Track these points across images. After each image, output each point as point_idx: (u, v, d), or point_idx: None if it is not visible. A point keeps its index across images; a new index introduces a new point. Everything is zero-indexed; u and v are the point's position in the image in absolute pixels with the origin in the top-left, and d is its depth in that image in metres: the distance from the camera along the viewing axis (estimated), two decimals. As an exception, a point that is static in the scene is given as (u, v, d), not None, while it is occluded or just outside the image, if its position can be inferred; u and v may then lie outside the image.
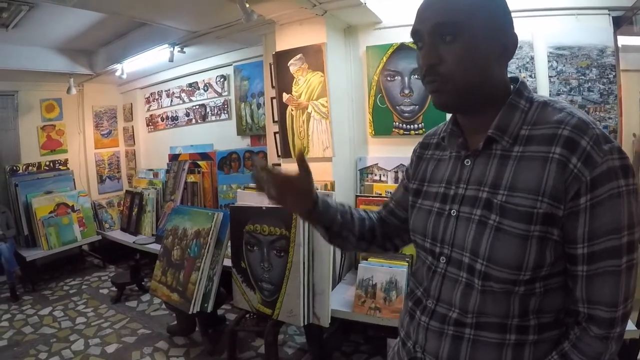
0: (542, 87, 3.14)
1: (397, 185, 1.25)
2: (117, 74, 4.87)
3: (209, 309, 3.13)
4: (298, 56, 3.16)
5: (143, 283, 4.56)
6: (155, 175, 5.40)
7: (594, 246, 0.82)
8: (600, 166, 0.80)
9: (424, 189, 1.09)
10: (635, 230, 0.83)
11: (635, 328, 2.49)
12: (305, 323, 2.73)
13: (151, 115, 5.92)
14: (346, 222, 1.19)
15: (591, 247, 0.82)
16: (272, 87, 3.55)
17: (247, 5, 2.85)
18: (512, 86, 0.96)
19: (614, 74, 3.08)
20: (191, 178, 4.72)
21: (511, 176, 0.87)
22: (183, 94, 5.35)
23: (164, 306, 3.87)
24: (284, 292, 2.79)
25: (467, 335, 0.92)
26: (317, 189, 1.17)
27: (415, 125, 3.16)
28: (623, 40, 3.22)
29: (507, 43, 0.92)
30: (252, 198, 3.08)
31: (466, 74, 0.88)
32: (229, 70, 4.78)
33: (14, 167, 5.31)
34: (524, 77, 3.13)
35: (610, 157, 0.81)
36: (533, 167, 0.85)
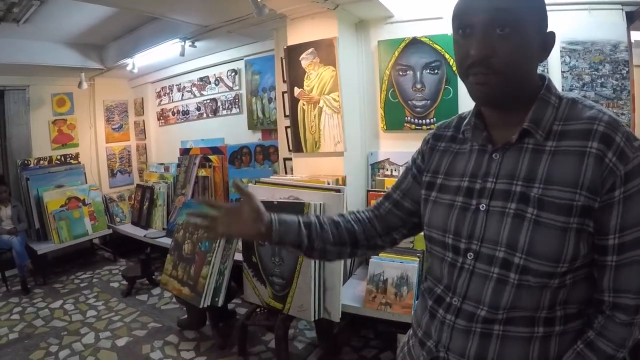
0: (555, 82, 3.03)
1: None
2: (128, 68, 4.89)
3: (220, 303, 3.14)
4: (310, 50, 3.14)
5: (153, 277, 4.58)
6: (166, 169, 5.40)
7: (625, 237, 0.85)
8: (632, 161, 0.83)
9: (440, 182, 1.07)
10: None
11: None
12: (316, 318, 2.72)
13: (162, 110, 5.93)
14: (316, 234, 1.16)
15: (622, 237, 0.85)
16: (284, 81, 3.54)
17: (259, 0, 2.84)
18: (540, 82, 0.96)
19: (627, 69, 3.03)
20: (202, 172, 4.71)
21: (546, 170, 0.88)
22: (194, 88, 5.36)
23: (174, 300, 3.88)
24: (294, 286, 2.78)
25: (495, 332, 0.92)
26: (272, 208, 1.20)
27: (427, 120, 3.14)
28: (636, 35, 3.18)
29: (548, 40, 0.94)
30: (263, 192, 3.07)
31: (516, 69, 0.88)
32: (240, 65, 4.77)
33: (26, 161, 5.35)
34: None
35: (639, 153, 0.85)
36: (569, 161, 0.86)
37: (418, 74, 3.15)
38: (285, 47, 3.30)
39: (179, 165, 5.07)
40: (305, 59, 3.15)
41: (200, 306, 3.10)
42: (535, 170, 0.89)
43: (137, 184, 5.80)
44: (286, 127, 3.59)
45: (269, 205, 2.88)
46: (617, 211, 0.84)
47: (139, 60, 4.82)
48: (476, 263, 0.94)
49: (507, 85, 0.88)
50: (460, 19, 0.91)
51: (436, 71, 3.11)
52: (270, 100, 4.43)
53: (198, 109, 5.33)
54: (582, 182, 0.84)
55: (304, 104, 3.16)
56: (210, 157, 4.75)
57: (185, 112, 5.52)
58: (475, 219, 0.95)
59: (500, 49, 0.86)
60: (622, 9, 3.05)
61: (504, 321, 0.91)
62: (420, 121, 3.16)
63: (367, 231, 1.23)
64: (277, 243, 1.14)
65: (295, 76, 3.21)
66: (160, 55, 4.71)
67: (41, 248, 4.87)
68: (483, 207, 0.95)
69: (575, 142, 0.87)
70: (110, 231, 5.49)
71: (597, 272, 0.90)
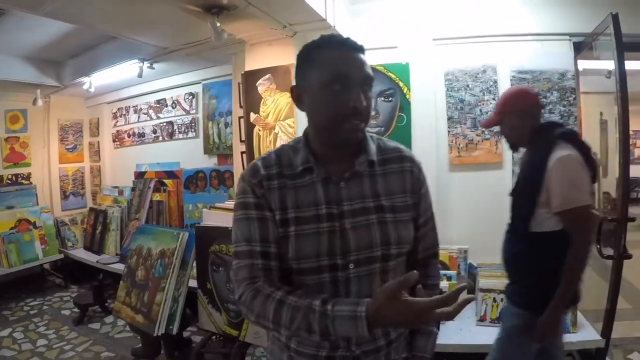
0: (505, 110, 3.22)
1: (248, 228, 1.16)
2: (85, 87, 4.80)
3: (175, 331, 3.08)
4: (267, 76, 3.18)
5: (106, 304, 4.45)
6: (120, 192, 5.30)
7: (426, 215, 1.29)
8: (422, 171, 1.28)
9: (293, 216, 1.15)
10: None
11: (600, 337, 2.62)
12: (272, 345, 2.71)
13: (118, 131, 5.83)
14: None
15: (424, 216, 1.29)
16: (240, 106, 3.55)
17: (218, 24, 2.86)
18: None
19: (574, 96, 3.18)
20: (157, 196, 4.65)
21: (384, 186, 1.20)
22: (151, 111, 5.30)
23: (128, 328, 3.77)
24: (250, 313, 2.77)
25: None
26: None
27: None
28: (583, 64, 3.35)
29: None
30: (218, 218, 3.07)
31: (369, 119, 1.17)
32: (197, 88, 4.77)
33: (-25, 181, 5.15)
34: (487, 99, 3.22)
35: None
36: (397, 177, 1.22)
37: (373, 101, 3.21)
38: (242, 72, 3.32)
39: (133, 189, 4.99)
40: (262, 85, 3.19)
41: (155, 334, 3.04)
42: (377, 188, 1.20)
43: (90, 208, 5.66)
44: (242, 152, 3.60)
45: (224, 231, 2.90)
46: (422, 202, 1.26)
47: (96, 79, 4.75)
48: (359, 269, 1.14)
49: (364, 130, 1.18)
50: (338, 74, 1.09)
51: (390, 99, 3.19)
52: (226, 124, 4.44)
53: (154, 131, 5.27)
54: (408, 188, 1.23)
55: (259, 130, 3.18)
56: (165, 181, 4.70)
57: (141, 135, 5.45)
58: (345, 237, 1.14)
59: (368, 102, 1.12)
60: (570, 40, 3.24)
61: None
62: (374, 147, 3.23)
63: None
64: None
65: (251, 101, 3.24)
66: (117, 75, 4.66)
67: (-12, 273, 4.66)
68: (348, 225, 1.14)
69: (395, 164, 1.23)
70: (62, 256, 5.29)
71: (419, 239, 1.28)
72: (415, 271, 0.95)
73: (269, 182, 1.17)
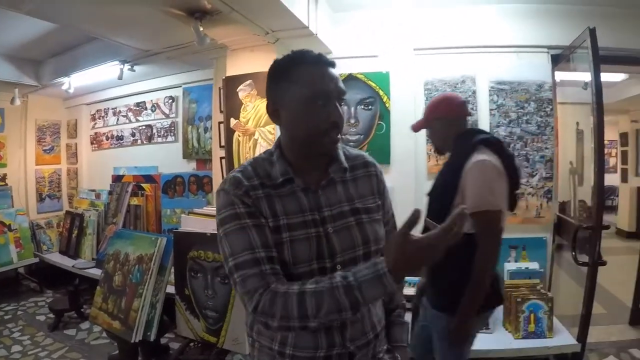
0: (484, 120, 3.30)
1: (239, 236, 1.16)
2: (64, 87, 4.74)
3: (152, 338, 3.05)
4: (248, 82, 3.18)
5: (82, 310, 4.38)
6: (98, 196, 5.23)
7: (389, 214, 1.41)
8: (382, 174, 1.41)
9: (284, 223, 1.19)
10: None
11: (576, 342, 2.69)
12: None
13: (96, 133, 5.77)
14: None
15: (387, 215, 1.40)
16: (220, 111, 3.55)
17: (201, 29, 2.86)
18: None
19: (551, 107, 3.26)
20: (134, 201, 4.61)
21: (356, 190, 1.31)
22: (130, 113, 5.26)
23: (104, 334, 3.73)
24: (228, 319, 2.77)
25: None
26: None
27: (360, 155, 3.23)
28: (560, 75, 3.43)
29: None
30: (196, 223, 3.05)
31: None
32: (177, 92, 4.75)
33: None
34: (466, 109, 3.27)
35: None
36: (365, 181, 1.34)
37: (352, 109, 3.26)
38: (223, 77, 3.32)
39: (110, 193, 4.93)
40: (243, 91, 3.19)
41: (132, 341, 3.00)
42: (350, 193, 1.29)
43: (67, 211, 5.57)
44: (221, 158, 3.59)
45: (202, 237, 2.89)
46: (385, 203, 1.38)
47: (76, 80, 4.70)
48: (346, 269, 1.13)
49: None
50: (318, 91, 1.16)
51: (370, 107, 3.23)
52: (206, 129, 4.43)
53: (133, 134, 5.23)
54: (375, 191, 1.35)
55: (239, 135, 3.18)
56: (143, 185, 4.66)
57: (120, 138, 5.40)
58: (330, 240, 1.21)
59: (342, 117, 1.21)
60: (548, 52, 3.33)
61: None
62: (353, 154, 3.26)
63: None
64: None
65: (232, 107, 3.24)
66: (97, 77, 4.63)
67: (-39, 277, 4.56)
68: (331, 230, 1.22)
69: (362, 170, 1.35)
70: (37, 260, 5.19)
71: (386, 235, 1.34)
72: (417, 208, 1.02)
73: (254, 192, 1.19)
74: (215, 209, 1.28)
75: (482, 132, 2.17)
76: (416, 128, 2.27)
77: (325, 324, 1.10)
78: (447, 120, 2.11)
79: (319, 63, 1.19)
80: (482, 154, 1.92)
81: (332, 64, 1.22)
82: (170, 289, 3.14)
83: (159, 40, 3.64)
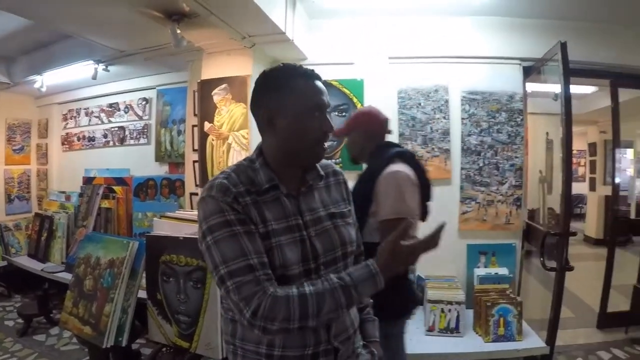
0: (455, 128, 3.37)
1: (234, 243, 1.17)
2: (36, 85, 4.66)
3: (124, 343, 3.00)
4: (223, 86, 3.18)
5: (52, 315, 4.29)
6: (68, 198, 5.11)
7: (354, 218, 1.49)
8: (347, 181, 1.52)
9: (272, 228, 1.24)
10: None
11: (544, 345, 2.75)
12: (224, 356, 2.69)
13: (67, 134, 5.68)
14: None
15: (353, 218, 1.48)
16: (194, 114, 3.54)
17: (179, 32, 2.85)
18: None
19: (521, 117, 3.34)
20: (105, 204, 4.53)
21: (330, 197, 1.41)
22: (102, 114, 5.20)
23: (74, 340, 3.65)
24: (201, 324, 2.74)
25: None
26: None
27: (334, 161, 3.26)
28: (531, 87, 3.52)
29: None
30: (169, 227, 3.03)
31: None
32: (151, 94, 4.72)
33: None
34: (438, 118, 3.33)
35: None
36: (336, 188, 1.45)
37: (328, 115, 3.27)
38: (199, 80, 3.31)
39: (81, 195, 4.83)
40: (218, 95, 3.19)
41: (104, 346, 2.95)
42: (325, 199, 1.39)
43: (36, 213, 5.43)
44: (194, 161, 3.58)
45: (175, 241, 2.87)
46: (351, 207, 1.48)
47: (49, 79, 4.62)
48: (327, 269, 1.29)
49: None
50: (317, 103, 1.26)
51: (344, 113, 3.26)
52: (179, 132, 4.41)
53: (105, 136, 5.17)
54: (345, 197, 1.47)
55: (213, 139, 3.18)
56: (114, 187, 4.58)
57: (91, 139, 5.33)
58: (313, 243, 1.29)
59: (332, 128, 1.30)
60: (520, 64, 3.42)
61: None
62: (327, 161, 3.29)
63: None
64: None
65: (206, 110, 3.24)
66: (71, 76, 4.57)
67: None
68: (313, 233, 1.30)
69: (333, 178, 1.46)
70: (5, 263, 5.08)
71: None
72: (408, 220, 1.23)
73: (243, 198, 1.21)
74: (189, 212, 1.32)
75: (398, 145, 2.28)
76: (338, 134, 2.33)
77: (322, 323, 1.19)
78: (367, 133, 2.21)
79: (312, 76, 1.29)
80: (396, 165, 2.02)
81: (321, 78, 1.31)
82: (142, 294, 3.10)
83: (135, 41, 3.62)
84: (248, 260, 1.15)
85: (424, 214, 2.17)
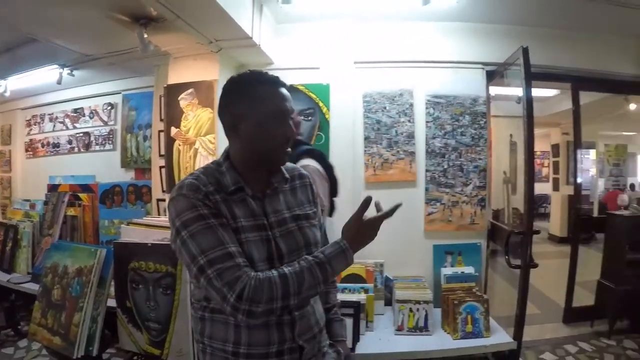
0: (420, 131, 3.43)
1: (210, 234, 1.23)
2: (0, 90, 4.55)
3: (95, 353, 2.95)
4: (189, 91, 3.17)
5: (19, 327, 4.22)
6: (32, 206, 4.96)
7: (319, 219, 1.57)
8: (314, 183, 1.59)
9: (241, 224, 1.31)
10: None
11: (512, 340, 2.80)
12: (195, 360, 2.69)
13: (31, 140, 5.56)
14: None
15: (319, 220, 1.56)
16: (161, 119, 3.52)
17: (146, 36, 2.84)
18: None
19: (484, 120, 3.42)
20: (71, 211, 4.42)
21: (295, 199, 1.48)
22: (67, 120, 5.11)
23: (44, 352, 3.60)
24: (172, 330, 2.73)
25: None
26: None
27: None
28: (494, 90, 3.62)
29: None
30: (136, 234, 3.00)
31: None
32: (117, 99, 4.67)
33: None
34: (403, 121, 3.39)
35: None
36: (302, 191, 1.52)
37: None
38: (165, 85, 3.30)
39: (46, 203, 4.70)
40: (184, 99, 3.18)
41: (74, 357, 2.89)
42: (290, 201, 1.46)
43: (0, 222, 5.29)
44: (161, 167, 3.57)
45: (143, 247, 2.85)
46: (317, 209, 1.56)
47: (12, 83, 4.55)
48: None
49: None
50: (280, 110, 1.33)
51: (310, 118, 3.29)
52: (145, 138, 4.38)
53: (70, 142, 5.09)
54: (311, 199, 1.53)
55: (179, 145, 3.17)
56: (80, 195, 4.48)
57: (56, 145, 5.24)
58: (278, 243, 1.35)
59: (295, 133, 1.42)
60: (483, 68, 3.51)
61: None
62: (294, 165, 3.33)
63: None
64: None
65: (172, 115, 3.23)
66: (35, 80, 4.52)
67: None
68: (277, 234, 1.36)
69: (299, 181, 1.52)
70: (-32, 274, 4.92)
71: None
72: (369, 195, 1.32)
73: (213, 196, 1.29)
74: (156, 219, 1.35)
75: (307, 144, 2.42)
76: None
77: (303, 301, 1.29)
78: None
79: (278, 84, 1.36)
80: (306, 160, 2.16)
81: (286, 85, 1.39)
82: (112, 302, 3.07)
83: (101, 45, 3.60)
84: (227, 248, 1.22)
85: (331, 210, 2.27)
